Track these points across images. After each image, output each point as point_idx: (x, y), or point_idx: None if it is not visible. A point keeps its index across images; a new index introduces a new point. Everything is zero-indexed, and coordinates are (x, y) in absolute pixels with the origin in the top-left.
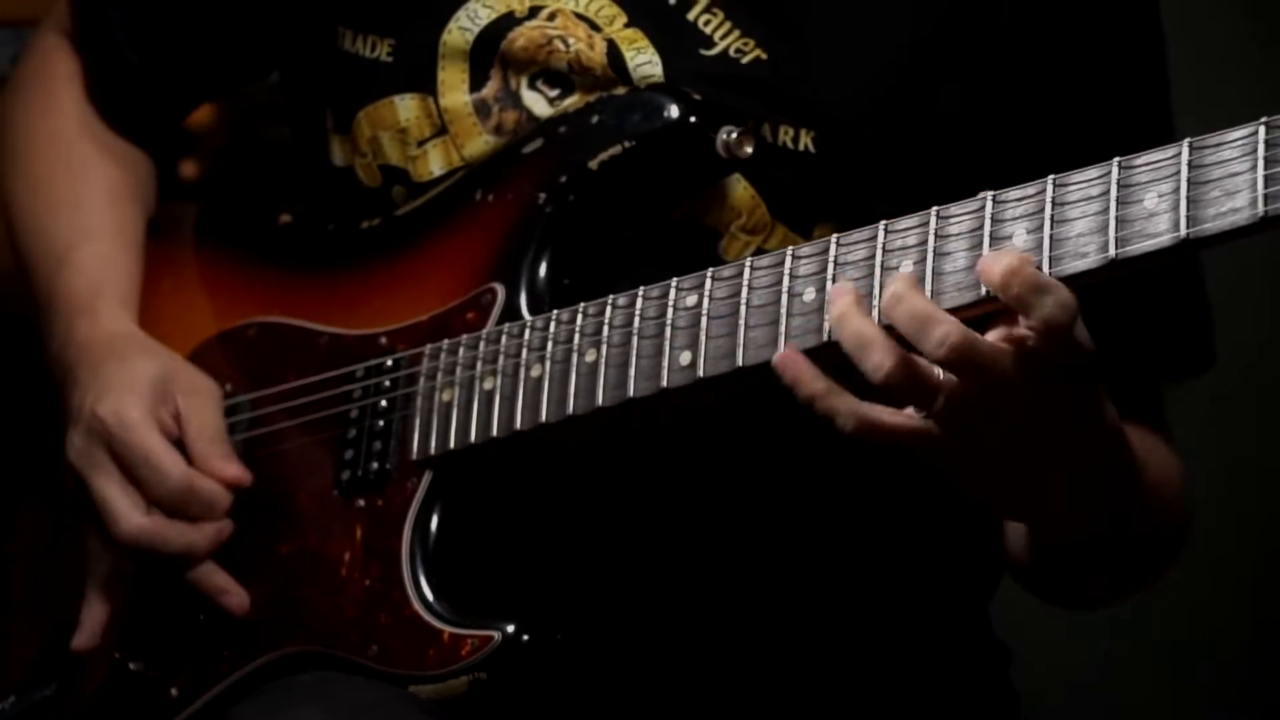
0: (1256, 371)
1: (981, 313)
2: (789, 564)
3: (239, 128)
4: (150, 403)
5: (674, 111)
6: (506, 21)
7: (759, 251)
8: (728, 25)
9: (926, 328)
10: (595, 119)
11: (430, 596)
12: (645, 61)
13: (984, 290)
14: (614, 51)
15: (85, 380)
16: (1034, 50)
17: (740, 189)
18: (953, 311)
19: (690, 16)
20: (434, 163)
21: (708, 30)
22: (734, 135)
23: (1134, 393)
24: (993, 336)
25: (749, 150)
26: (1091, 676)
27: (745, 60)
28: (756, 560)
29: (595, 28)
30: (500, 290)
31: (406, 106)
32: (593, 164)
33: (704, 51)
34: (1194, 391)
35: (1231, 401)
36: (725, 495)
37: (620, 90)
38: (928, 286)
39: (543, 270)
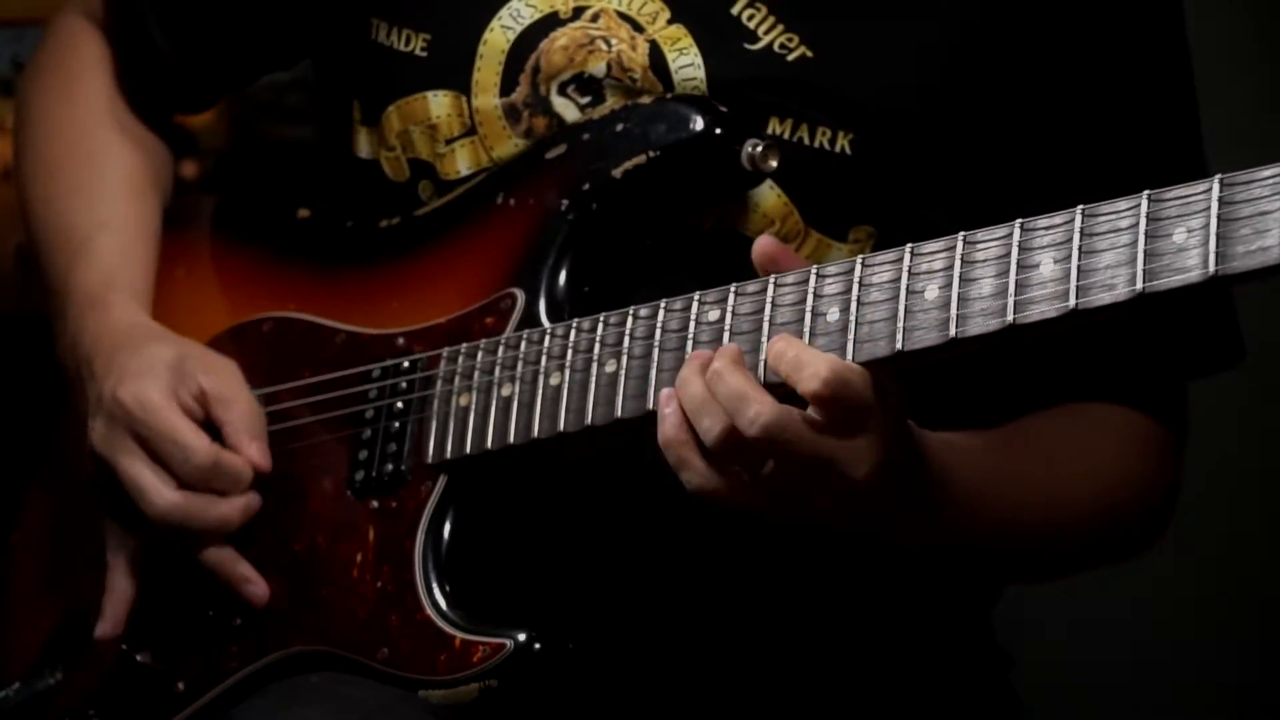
0: (1257, 372)
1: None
2: (794, 571)
3: (239, 128)
4: (170, 384)
5: (700, 123)
6: (550, 21)
7: None
8: (772, 20)
9: (742, 405)
10: (620, 127)
11: (442, 601)
12: (688, 63)
13: (1011, 318)
14: (656, 53)
15: (101, 370)
16: (1070, 53)
17: (773, 197)
18: (978, 339)
19: (734, 11)
20: (461, 161)
21: (751, 25)
22: (759, 148)
23: (1130, 383)
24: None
25: (774, 163)
26: (1092, 682)
27: (791, 57)
28: (763, 567)
29: (638, 28)
30: (520, 296)
31: (439, 103)
32: (616, 173)
33: (748, 46)
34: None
35: (1231, 401)
36: None
37: (646, 99)
38: (952, 312)
39: (563, 277)
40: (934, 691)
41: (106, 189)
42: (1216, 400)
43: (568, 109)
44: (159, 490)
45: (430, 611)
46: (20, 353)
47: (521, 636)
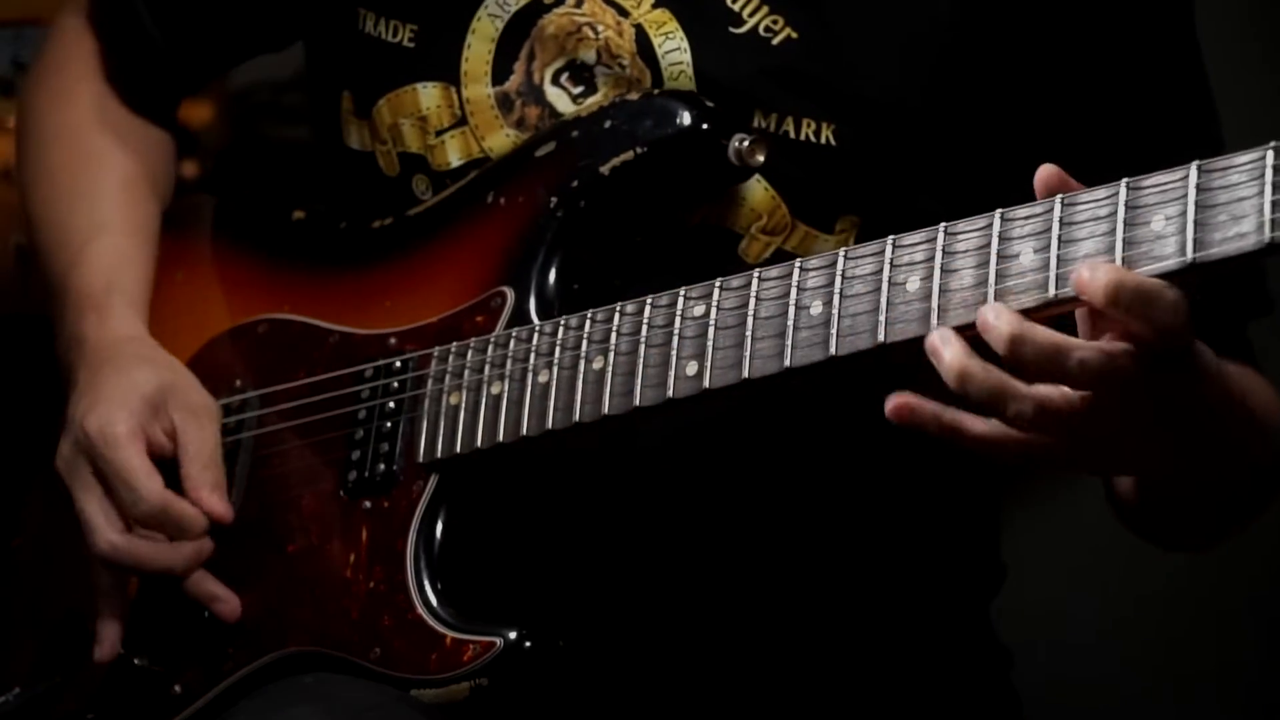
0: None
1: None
2: (791, 567)
3: (239, 127)
4: (140, 418)
5: (686, 118)
6: (535, 8)
7: (779, 252)
8: (757, 2)
9: (1059, 359)
10: (608, 124)
11: (434, 600)
12: (674, 48)
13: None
14: (642, 37)
15: (82, 385)
16: (1062, 40)
17: (760, 190)
18: (960, 330)
19: None
20: (452, 153)
21: (736, 8)
22: (746, 143)
23: (1224, 332)
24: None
25: (761, 158)
26: (1093, 681)
27: (776, 40)
28: (759, 564)
29: (623, 13)
30: (509, 294)
31: (429, 94)
32: (604, 169)
33: (733, 29)
34: None
35: None
36: (728, 500)
37: (633, 96)
38: (934, 303)
39: (552, 275)
40: (935, 689)
41: (105, 192)
42: None
43: (560, 99)
44: (104, 531)
45: (422, 611)
46: (20, 353)
47: (512, 635)
